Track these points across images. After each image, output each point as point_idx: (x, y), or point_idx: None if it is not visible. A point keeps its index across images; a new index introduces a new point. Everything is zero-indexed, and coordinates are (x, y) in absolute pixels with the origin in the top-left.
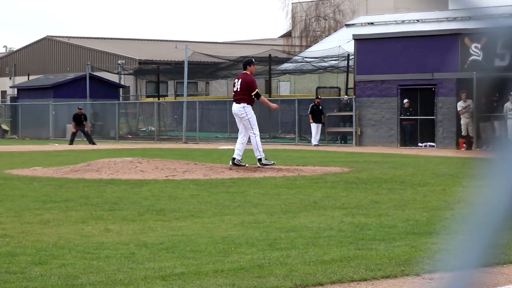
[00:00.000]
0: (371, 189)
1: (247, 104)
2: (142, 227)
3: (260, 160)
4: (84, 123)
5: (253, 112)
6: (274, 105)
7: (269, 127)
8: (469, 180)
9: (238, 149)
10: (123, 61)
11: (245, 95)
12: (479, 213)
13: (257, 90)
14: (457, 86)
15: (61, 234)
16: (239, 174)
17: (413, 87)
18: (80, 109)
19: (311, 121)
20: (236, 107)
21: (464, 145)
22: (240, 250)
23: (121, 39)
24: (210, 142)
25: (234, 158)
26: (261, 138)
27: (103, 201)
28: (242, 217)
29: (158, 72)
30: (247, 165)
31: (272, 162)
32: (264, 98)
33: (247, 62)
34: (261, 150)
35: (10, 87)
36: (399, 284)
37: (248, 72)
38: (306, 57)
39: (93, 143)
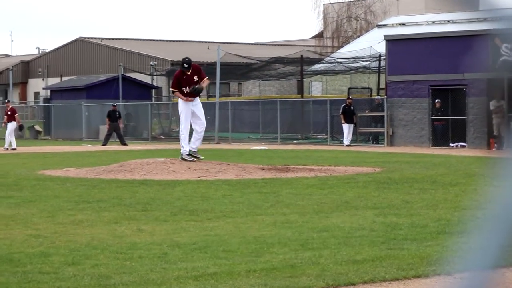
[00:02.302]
0: (403, 189)
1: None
2: (174, 227)
3: (193, 153)
4: (119, 120)
5: (186, 108)
6: (185, 98)
7: (301, 128)
8: (496, 180)
9: (192, 141)
10: (156, 62)
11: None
12: (499, 213)
13: (172, 88)
14: (488, 86)
15: (94, 235)
16: (271, 175)
17: (444, 87)
18: (114, 106)
19: (343, 121)
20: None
21: (495, 145)
22: (273, 250)
23: (154, 40)
24: (242, 142)
25: (188, 151)
26: (293, 138)
27: (136, 202)
28: (274, 217)
29: None
30: (202, 157)
31: (192, 158)
32: (177, 93)
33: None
34: (184, 145)
35: (43, 88)
36: (430, 283)
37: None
38: (337, 58)
39: (125, 144)
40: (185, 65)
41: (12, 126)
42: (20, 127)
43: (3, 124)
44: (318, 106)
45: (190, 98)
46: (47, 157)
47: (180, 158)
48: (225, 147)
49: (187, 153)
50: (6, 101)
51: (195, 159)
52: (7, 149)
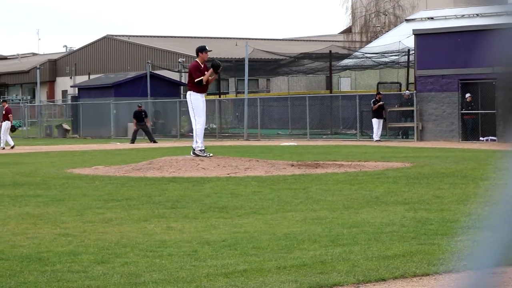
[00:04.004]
0: (433, 184)
1: (193, 91)
2: (204, 224)
3: (194, 150)
4: (145, 119)
5: (200, 100)
6: (209, 73)
7: (331, 123)
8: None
9: (194, 139)
10: (184, 59)
11: (190, 82)
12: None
13: (197, 79)
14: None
15: (123, 233)
16: (300, 171)
17: (474, 81)
18: (139, 106)
19: (374, 106)
20: (186, 96)
21: None
22: (303, 246)
23: (181, 37)
24: (271, 139)
25: (193, 149)
26: (322, 134)
27: (165, 199)
28: (304, 213)
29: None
30: (211, 154)
31: (207, 154)
32: (206, 77)
33: (198, 49)
34: (198, 140)
35: (71, 86)
36: (461, 278)
37: (198, 60)
38: (366, 53)
39: (154, 141)
40: (207, 48)
41: (6, 125)
42: (13, 128)
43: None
44: (347, 101)
45: (214, 75)
46: (75, 155)
47: (192, 153)
48: (254, 144)
49: (201, 148)
50: (1, 101)
51: (209, 155)
52: (4, 148)
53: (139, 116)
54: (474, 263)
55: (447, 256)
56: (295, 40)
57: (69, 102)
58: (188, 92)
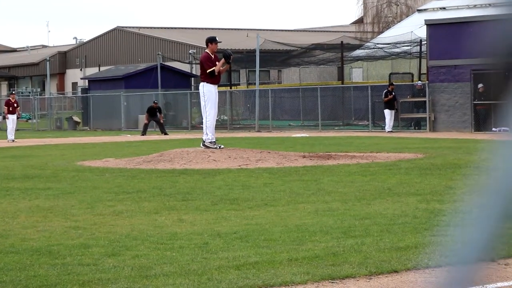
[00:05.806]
0: (446, 175)
1: (206, 83)
2: (215, 216)
3: (204, 141)
4: (158, 115)
5: (213, 91)
6: (220, 63)
7: (342, 114)
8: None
9: (204, 131)
10: (195, 51)
11: (202, 74)
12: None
13: (209, 69)
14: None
15: (134, 225)
16: (312, 162)
17: (486, 71)
18: (155, 103)
19: (384, 99)
20: (199, 87)
21: None
22: (315, 238)
23: (192, 28)
24: (283, 130)
25: (203, 141)
26: (334, 125)
27: (176, 192)
28: (316, 205)
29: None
30: (222, 146)
31: (218, 146)
32: (218, 67)
33: (207, 39)
34: (209, 132)
35: (81, 78)
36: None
37: (208, 50)
38: (378, 43)
39: (165, 133)
40: (217, 39)
41: (13, 117)
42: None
43: (6, 116)
44: (359, 92)
45: (226, 66)
46: (86, 148)
47: (202, 145)
48: (265, 135)
49: (211, 140)
50: (12, 92)
51: (220, 147)
52: (13, 140)
53: (153, 112)
54: (458, 256)
55: (459, 247)
56: (306, 31)
57: (79, 94)
58: (201, 84)
